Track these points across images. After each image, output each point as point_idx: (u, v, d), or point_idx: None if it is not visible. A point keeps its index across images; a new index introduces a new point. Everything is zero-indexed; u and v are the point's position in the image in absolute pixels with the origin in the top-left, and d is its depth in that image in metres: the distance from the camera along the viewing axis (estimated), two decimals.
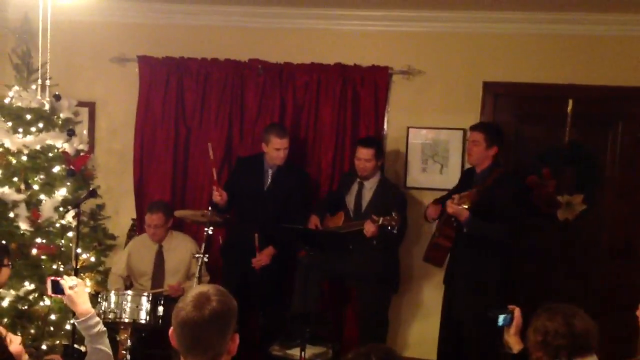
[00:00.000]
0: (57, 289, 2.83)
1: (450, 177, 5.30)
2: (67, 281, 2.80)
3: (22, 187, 4.55)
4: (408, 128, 5.51)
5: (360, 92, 5.46)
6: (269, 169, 5.21)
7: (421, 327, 5.56)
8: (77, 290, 2.79)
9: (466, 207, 4.49)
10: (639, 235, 5.31)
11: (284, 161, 5.14)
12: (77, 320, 2.78)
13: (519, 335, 3.15)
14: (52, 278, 2.87)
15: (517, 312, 3.18)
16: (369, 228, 4.69)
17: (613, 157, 5.36)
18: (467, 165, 5.16)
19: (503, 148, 4.87)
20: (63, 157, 4.66)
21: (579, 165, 5.33)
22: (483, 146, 4.71)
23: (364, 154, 4.96)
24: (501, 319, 3.18)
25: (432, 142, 5.48)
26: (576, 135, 5.31)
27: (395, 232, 4.64)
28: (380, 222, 4.63)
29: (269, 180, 5.22)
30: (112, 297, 4.55)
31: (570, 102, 5.26)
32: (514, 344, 3.14)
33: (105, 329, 2.81)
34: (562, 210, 5.33)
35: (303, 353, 4.41)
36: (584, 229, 5.39)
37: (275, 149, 5.08)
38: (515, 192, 4.68)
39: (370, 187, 5.04)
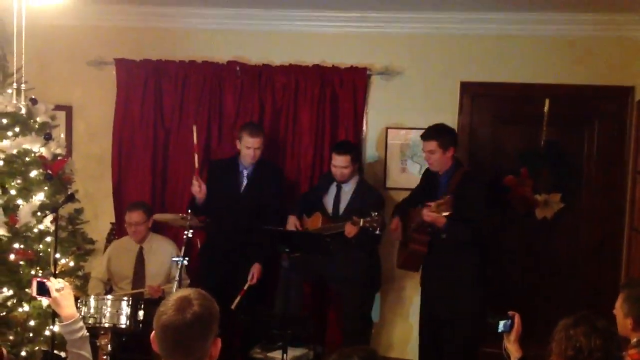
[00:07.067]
0: (43, 290, 2.75)
1: None
2: (54, 283, 2.74)
3: None
4: (387, 129, 5.53)
5: (339, 93, 5.47)
6: (244, 170, 5.18)
7: (404, 328, 5.59)
8: (64, 292, 2.74)
9: (446, 214, 4.35)
10: (617, 232, 5.37)
11: (256, 160, 5.10)
12: (61, 324, 2.72)
13: (519, 342, 3.07)
14: (39, 279, 2.79)
15: (517, 318, 3.09)
16: (350, 230, 4.69)
17: (590, 155, 5.42)
18: None
19: (459, 146, 4.85)
20: (40, 161, 4.60)
21: (556, 164, 5.37)
22: (439, 153, 4.64)
23: (340, 161, 4.91)
24: (501, 325, 3.10)
25: (410, 142, 5.50)
26: (553, 134, 5.36)
27: (378, 232, 4.61)
28: (362, 224, 4.62)
29: (245, 181, 5.19)
30: (92, 302, 4.50)
31: (547, 101, 5.31)
32: (514, 351, 3.05)
33: (88, 334, 2.76)
34: (540, 209, 5.37)
35: (285, 355, 4.40)
36: (562, 227, 5.44)
37: (246, 147, 5.06)
38: (479, 193, 4.61)
39: (348, 189, 5.02)
